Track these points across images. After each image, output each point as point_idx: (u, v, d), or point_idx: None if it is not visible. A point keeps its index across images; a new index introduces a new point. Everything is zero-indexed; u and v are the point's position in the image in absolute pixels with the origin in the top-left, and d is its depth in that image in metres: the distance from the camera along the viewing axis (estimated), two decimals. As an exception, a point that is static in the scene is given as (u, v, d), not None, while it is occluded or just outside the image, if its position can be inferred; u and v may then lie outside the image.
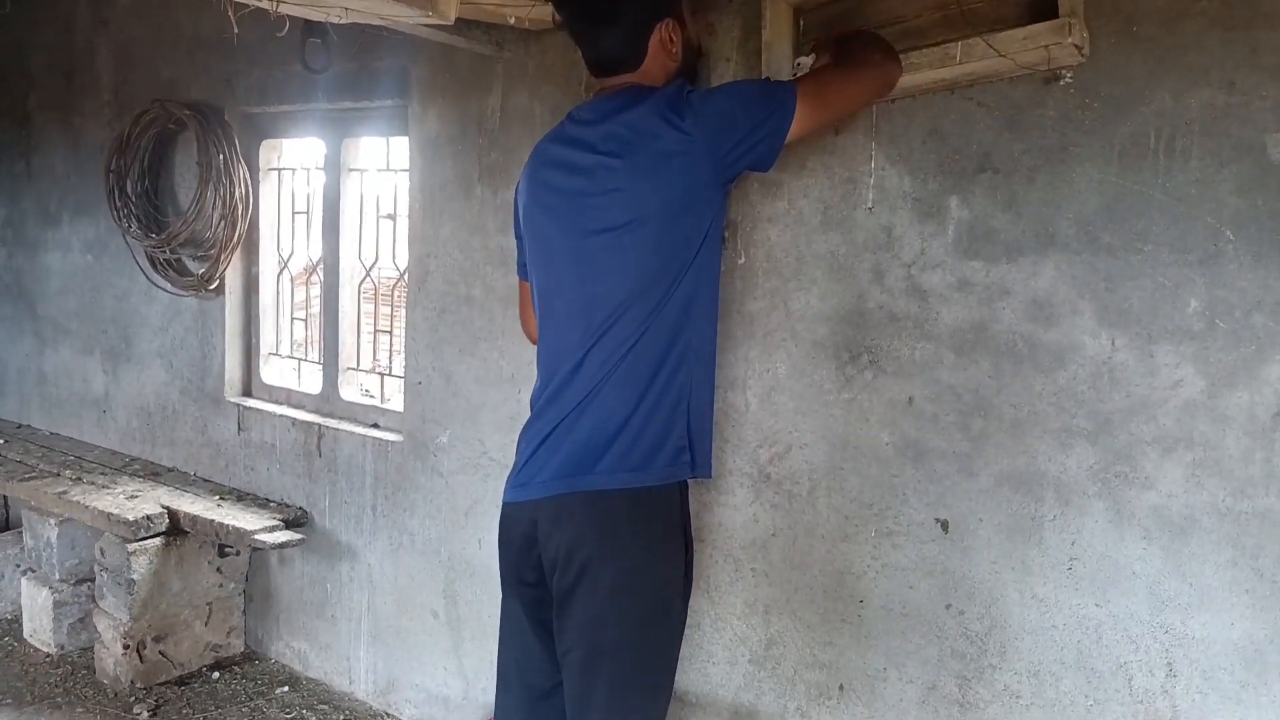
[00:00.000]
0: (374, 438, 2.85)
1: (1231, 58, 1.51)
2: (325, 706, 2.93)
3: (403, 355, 2.82)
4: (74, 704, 2.93)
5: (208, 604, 3.12)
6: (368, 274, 3.02)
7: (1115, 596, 1.66)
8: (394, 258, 2.95)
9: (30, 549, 3.36)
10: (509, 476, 1.80)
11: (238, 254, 3.15)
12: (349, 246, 3.01)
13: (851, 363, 1.91)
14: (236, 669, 3.14)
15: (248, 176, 3.08)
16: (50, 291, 3.90)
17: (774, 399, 2.02)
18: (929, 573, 1.85)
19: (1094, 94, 1.63)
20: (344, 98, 2.81)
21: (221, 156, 3.05)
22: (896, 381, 1.86)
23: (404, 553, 2.78)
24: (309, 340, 3.29)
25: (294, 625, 3.13)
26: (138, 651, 2.96)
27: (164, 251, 3.26)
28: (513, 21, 2.07)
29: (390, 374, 3.00)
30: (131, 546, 2.90)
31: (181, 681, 3.05)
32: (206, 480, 3.31)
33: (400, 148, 2.78)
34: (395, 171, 2.88)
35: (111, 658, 2.99)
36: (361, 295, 3.06)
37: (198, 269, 3.24)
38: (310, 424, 3.00)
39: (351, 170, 2.98)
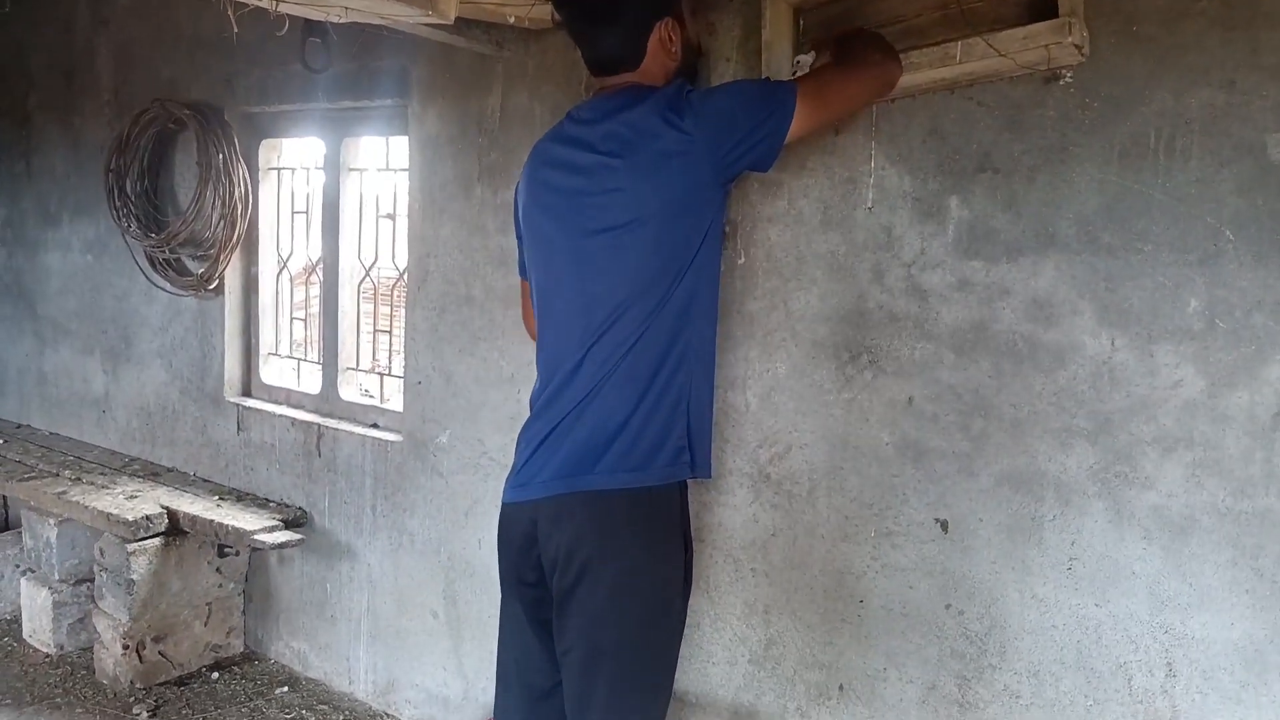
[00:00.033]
0: (373, 438, 2.85)
1: (1231, 57, 1.51)
2: (325, 707, 2.93)
3: (402, 355, 2.82)
4: (73, 704, 2.93)
5: (207, 604, 3.12)
6: (367, 274, 3.02)
7: (1115, 596, 1.66)
8: (394, 257, 2.94)
9: (30, 549, 3.36)
10: (508, 476, 1.79)
11: (237, 254, 3.15)
12: (348, 246, 3.01)
13: (851, 363, 1.91)
14: (236, 669, 3.14)
15: (247, 176, 3.08)
16: (50, 291, 3.90)
17: (774, 399, 2.02)
18: (929, 573, 1.85)
19: (1094, 94, 1.63)
20: (344, 97, 2.80)
21: (221, 156, 3.05)
22: (896, 381, 1.86)
23: (404, 553, 2.78)
24: (308, 340, 3.29)
25: (293, 625, 3.13)
26: (137, 652, 2.96)
27: (163, 251, 3.26)
28: (513, 21, 2.06)
29: (390, 374, 3.00)
30: (131, 547, 2.90)
31: (181, 682, 3.05)
32: (206, 480, 3.30)
33: (400, 147, 2.77)
34: (395, 171, 2.88)
35: (111, 658, 2.99)
36: (361, 295, 3.06)
37: (197, 269, 3.23)
38: (310, 424, 3.00)
39: (351, 170, 2.98)
